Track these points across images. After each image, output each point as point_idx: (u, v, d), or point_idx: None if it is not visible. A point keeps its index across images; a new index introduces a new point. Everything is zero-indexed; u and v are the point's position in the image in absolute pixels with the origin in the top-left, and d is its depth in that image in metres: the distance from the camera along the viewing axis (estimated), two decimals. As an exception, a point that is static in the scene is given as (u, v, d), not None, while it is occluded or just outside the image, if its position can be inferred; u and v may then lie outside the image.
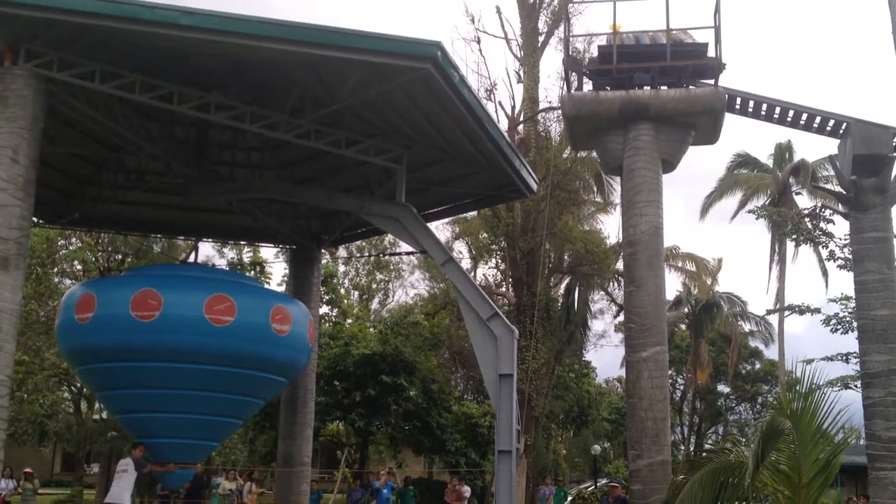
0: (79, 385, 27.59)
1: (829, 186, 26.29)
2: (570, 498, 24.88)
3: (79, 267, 28.65)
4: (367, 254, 37.68)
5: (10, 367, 10.96)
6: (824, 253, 17.47)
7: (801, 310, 19.26)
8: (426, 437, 29.01)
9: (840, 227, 17.21)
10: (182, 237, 23.96)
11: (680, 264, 34.92)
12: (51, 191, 16.93)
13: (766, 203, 38.94)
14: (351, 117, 14.60)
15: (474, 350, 13.87)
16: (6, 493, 19.81)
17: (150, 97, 12.63)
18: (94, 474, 35.50)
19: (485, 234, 26.02)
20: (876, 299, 13.80)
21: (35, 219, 15.84)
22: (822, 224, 17.09)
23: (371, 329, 31.38)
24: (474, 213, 24.48)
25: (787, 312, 19.75)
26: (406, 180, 14.78)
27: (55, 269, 28.17)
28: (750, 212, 26.59)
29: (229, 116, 13.33)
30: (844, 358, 18.18)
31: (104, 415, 29.81)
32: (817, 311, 19.17)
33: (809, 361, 18.40)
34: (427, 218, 16.71)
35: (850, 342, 17.38)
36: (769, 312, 36.45)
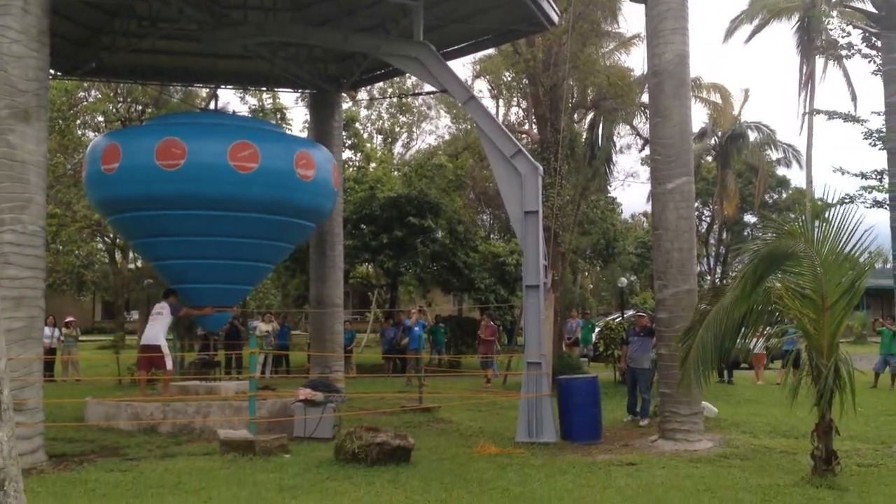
0: (112, 236, 28.12)
1: (859, 5, 25.19)
2: (597, 329, 25.39)
3: (100, 119, 28.63)
4: (388, 95, 37.23)
5: (43, 218, 11.13)
6: (871, 68, 16.64)
7: (846, 117, 18.16)
8: (454, 277, 29.47)
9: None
10: (200, 84, 23.78)
11: (705, 95, 34.29)
12: (65, 41, 16.69)
13: (795, 26, 37.96)
14: (364, -48, 14.13)
15: (499, 188, 13.88)
16: (50, 340, 20.56)
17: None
18: (134, 321, 36.66)
19: (507, 74, 25.49)
20: (906, 121, 13.50)
21: (52, 71, 15.69)
22: (871, 38, 16.31)
23: (395, 172, 31.40)
24: (494, 50, 23.97)
25: (826, 117, 18.53)
26: (423, 17, 14.42)
27: (77, 122, 28.16)
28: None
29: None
30: (878, 176, 17.42)
31: (139, 263, 30.50)
32: (863, 120, 18.01)
33: (842, 171, 17.95)
34: (446, 57, 16.36)
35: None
36: (809, 113, 35.81)
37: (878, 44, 15.95)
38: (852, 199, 15.97)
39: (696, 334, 9.71)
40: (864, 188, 17.28)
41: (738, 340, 9.88)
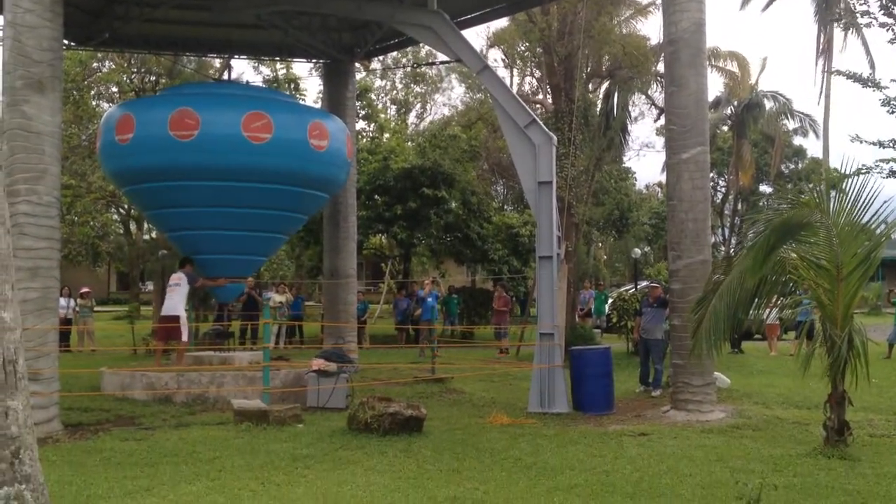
0: (126, 207, 28.20)
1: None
2: (610, 300, 25.37)
3: (114, 89, 28.65)
4: (402, 65, 37.04)
5: (58, 188, 11.18)
6: (888, 36, 16.35)
7: (864, 81, 17.74)
8: (467, 248, 29.45)
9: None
10: (214, 55, 23.74)
11: (721, 63, 33.95)
12: (79, 11, 16.63)
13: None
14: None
15: (513, 159, 13.82)
16: (65, 310, 20.70)
17: None
18: (149, 291, 36.83)
19: (522, 44, 25.28)
20: (926, 90, 13.30)
21: (66, 41, 15.67)
22: (889, 6, 16.02)
23: (409, 143, 31.28)
24: (508, 20, 23.77)
25: (844, 78, 18.12)
26: (437, -15, 14.31)
27: (92, 92, 28.19)
28: None
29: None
30: None
31: (154, 234, 30.60)
32: (882, 87, 17.59)
33: (859, 139, 17.72)
34: (460, 26, 16.23)
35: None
36: (826, 72, 35.45)
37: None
38: (869, 170, 15.79)
39: (709, 304, 9.69)
40: (882, 160, 17.09)
41: (752, 311, 9.85)
